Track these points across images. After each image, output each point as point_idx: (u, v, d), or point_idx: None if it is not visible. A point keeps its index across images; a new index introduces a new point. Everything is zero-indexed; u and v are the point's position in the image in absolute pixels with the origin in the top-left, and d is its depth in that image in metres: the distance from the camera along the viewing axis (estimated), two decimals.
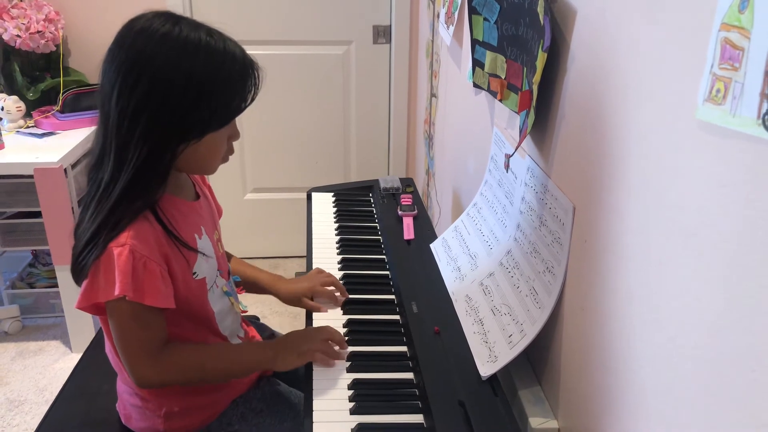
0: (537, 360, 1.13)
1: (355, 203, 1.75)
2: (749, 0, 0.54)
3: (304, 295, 1.29)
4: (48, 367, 2.25)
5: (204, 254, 1.08)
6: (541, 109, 1.08)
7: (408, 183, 1.82)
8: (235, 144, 1.08)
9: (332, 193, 1.80)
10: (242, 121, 2.78)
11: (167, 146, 0.96)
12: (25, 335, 2.42)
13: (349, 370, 1.10)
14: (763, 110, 0.52)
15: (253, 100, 1.03)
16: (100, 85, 0.97)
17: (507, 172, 1.28)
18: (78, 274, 0.98)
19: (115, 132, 0.95)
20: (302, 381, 1.11)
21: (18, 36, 2.29)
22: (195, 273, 1.06)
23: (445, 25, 1.86)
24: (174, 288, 1.02)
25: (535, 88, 1.02)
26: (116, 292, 0.93)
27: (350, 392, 1.04)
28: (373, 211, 1.70)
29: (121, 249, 0.94)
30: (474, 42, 1.33)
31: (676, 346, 0.69)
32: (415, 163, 2.80)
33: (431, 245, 1.49)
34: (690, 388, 0.66)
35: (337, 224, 1.62)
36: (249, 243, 2.95)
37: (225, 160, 1.08)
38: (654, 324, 0.74)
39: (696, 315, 0.65)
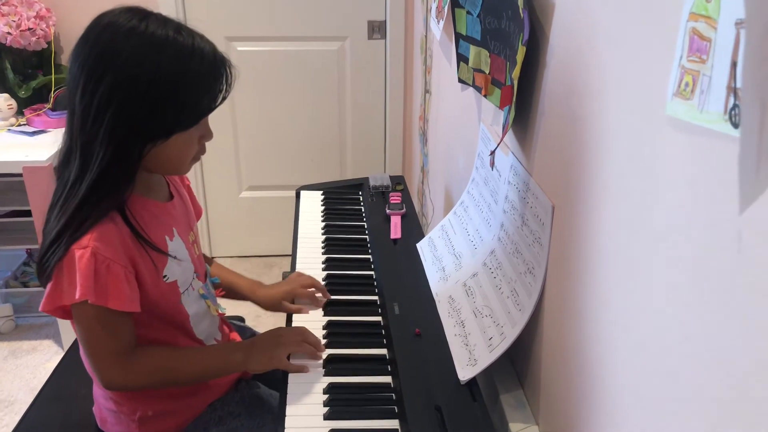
0: (519, 363, 1.10)
1: (344, 202, 1.72)
2: None
3: (284, 299, 1.27)
4: (39, 367, 2.24)
5: (175, 257, 1.05)
6: (523, 105, 1.04)
7: (398, 181, 1.79)
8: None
9: (321, 192, 1.78)
10: (236, 118, 2.77)
11: (133, 146, 0.93)
12: (18, 334, 2.41)
13: (326, 373, 1.07)
14: (730, 105, 0.49)
15: (224, 99, 0.99)
16: (66, 81, 0.95)
17: (492, 169, 1.25)
18: (42, 276, 0.96)
19: (79, 130, 0.93)
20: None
21: (9, 33, 2.27)
22: (165, 276, 1.04)
23: (436, 20, 1.83)
24: (143, 291, 1.00)
25: (515, 82, 0.99)
26: (77, 296, 0.91)
27: (325, 396, 1.02)
28: (361, 209, 1.68)
29: (82, 251, 0.91)
30: (458, 36, 1.30)
31: (648, 353, 0.65)
32: (412, 160, 2.77)
33: (417, 245, 1.46)
34: (660, 395, 0.63)
35: (323, 223, 1.59)
36: (244, 241, 2.93)
37: (196, 159, 1.05)
38: (627, 329, 0.71)
39: (664, 320, 0.62)
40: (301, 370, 1.07)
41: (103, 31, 0.92)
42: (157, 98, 0.91)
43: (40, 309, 0.97)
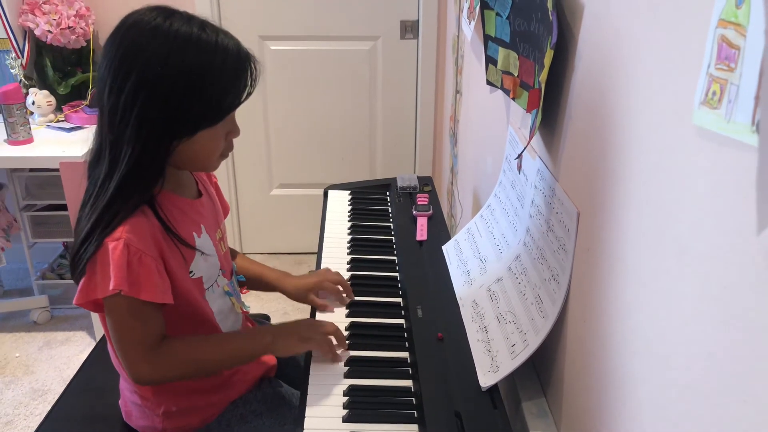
0: (542, 371, 1.09)
1: (371, 202, 1.72)
2: None
3: (310, 291, 1.27)
4: (73, 358, 2.29)
5: (203, 253, 1.07)
6: (550, 109, 1.03)
7: (426, 182, 1.78)
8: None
9: (349, 191, 1.78)
10: (268, 116, 2.80)
11: (159, 143, 0.94)
12: (53, 325, 2.47)
13: (347, 375, 1.07)
14: (758, 116, 0.47)
15: (249, 95, 1.00)
16: (96, 81, 0.97)
17: (519, 173, 1.23)
18: (75, 272, 0.98)
19: (107, 129, 0.95)
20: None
21: (49, 31, 2.33)
22: (191, 272, 1.05)
23: (467, 20, 1.81)
24: (171, 285, 1.01)
25: (542, 86, 0.97)
26: (111, 287, 0.92)
27: (345, 399, 1.02)
28: (388, 210, 1.67)
29: (116, 243, 0.93)
30: (486, 38, 1.28)
31: (670, 366, 0.64)
32: (442, 160, 2.75)
33: (443, 247, 1.45)
34: (680, 410, 0.61)
35: (350, 223, 1.59)
36: (274, 238, 2.95)
37: (224, 156, 1.06)
38: (649, 341, 0.69)
39: (687, 334, 0.60)
40: (328, 355, 1.08)
41: (128, 31, 0.93)
42: (181, 95, 0.92)
43: (73, 302, 0.99)
